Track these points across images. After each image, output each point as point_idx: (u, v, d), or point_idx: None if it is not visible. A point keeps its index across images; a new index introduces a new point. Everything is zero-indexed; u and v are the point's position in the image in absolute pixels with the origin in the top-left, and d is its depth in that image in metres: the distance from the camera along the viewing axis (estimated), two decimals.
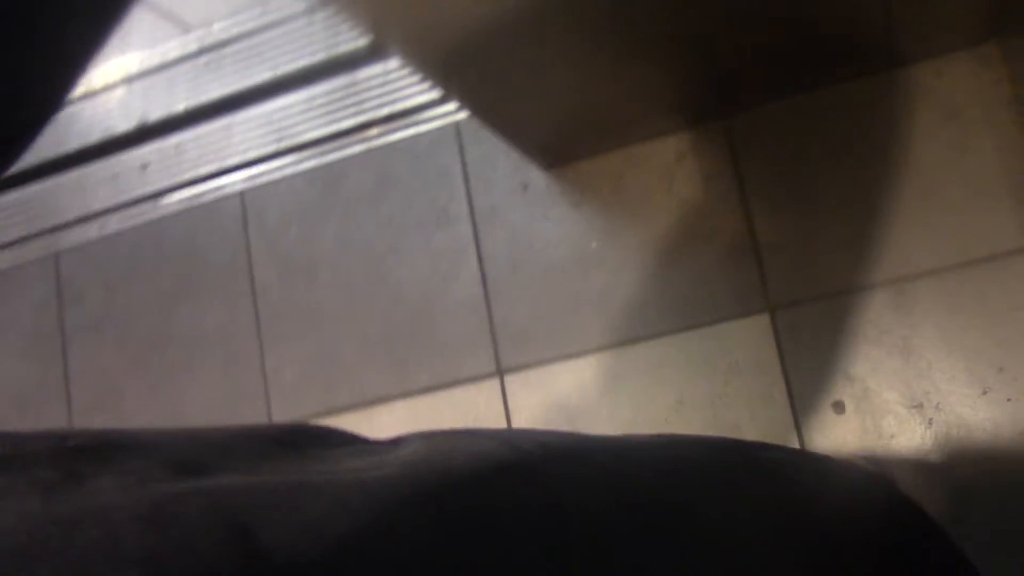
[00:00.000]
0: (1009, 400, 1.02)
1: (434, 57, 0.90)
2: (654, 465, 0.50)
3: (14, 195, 1.60)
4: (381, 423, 1.28)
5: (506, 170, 1.26)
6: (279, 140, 1.41)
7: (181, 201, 1.46)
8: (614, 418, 1.18)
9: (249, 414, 1.35)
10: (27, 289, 1.55)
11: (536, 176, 1.24)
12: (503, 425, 1.23)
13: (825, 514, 0.64)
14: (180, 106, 1.46)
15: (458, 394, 1.26)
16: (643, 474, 0.47)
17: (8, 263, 1.57)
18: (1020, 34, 0.99)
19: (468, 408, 1.25)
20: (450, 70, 0.94)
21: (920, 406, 1.05)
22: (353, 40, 1.34)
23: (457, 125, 1.30)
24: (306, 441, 0.39)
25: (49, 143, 1.57)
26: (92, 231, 1.52)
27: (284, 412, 1.33)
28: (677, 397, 1.15)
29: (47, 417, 1.47)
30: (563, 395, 1.20)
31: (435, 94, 1.31)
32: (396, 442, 0.42)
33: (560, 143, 1.18)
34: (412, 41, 0.87)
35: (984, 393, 1.03)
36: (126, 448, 0.32)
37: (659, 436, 0.62)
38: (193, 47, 1.44)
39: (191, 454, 0.33)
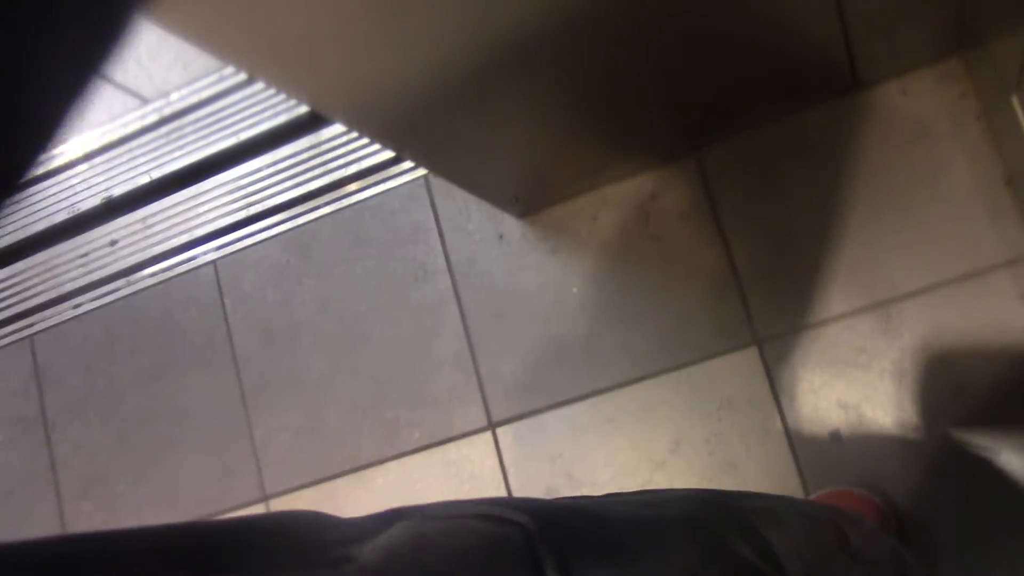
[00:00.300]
0: (1004, 417, 1.01)
1: (378, 125, 0.88)
2: (640, 528, 0.50)
3: None
4: (376, 486, 1.27)
5: (480, 221, 1.25)
6: (248, 206, 1.39)
7: (154, 275, 1.44)
8: (611, 463, 1.16)
9: (241, 488, 1.33)
10: (4, 376, 1.52)
11: (511, 225, 1.23)
12: (499, 479, 1.21)
13: (810, 563, 0.63)
14: (144, 179, 1.44)
15: (451, 451, 1.24)
16: (629, 539, 0.48)
17: None
18: (981, 47, 0.99)
19: (462, 464, 1.23)
20: (398, 136, 0.92)
21: (918, 428, 1.04)
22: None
23: (427, 179, 1.29)
24: (295, 529, 0.40)
25: (15, 226, 1.54)
26: (66, 312, 1.49)
27: (276, 483, 1.31)
28: (673, 438, 1.14)
29: (36, 506, 1.45)
30: (558, 444, 1.19)
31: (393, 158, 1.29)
32: (384, 520, 0.42)
33: (529, 192, 1.17)
34: (351, 112, 0.85)
35: (979, 411, 1.02)
36: (126, 551, 0.32)
37: (644, 493, 0.63)
38: (153, 118, 1.42)
39: (190, 552, 0.33)
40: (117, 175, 1.46)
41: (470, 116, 0.89)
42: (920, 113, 1.08)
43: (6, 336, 1.53)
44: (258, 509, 1.32)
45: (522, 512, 0.43)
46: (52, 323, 1.50)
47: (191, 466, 1.36)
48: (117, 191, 1.46)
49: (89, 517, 1.42)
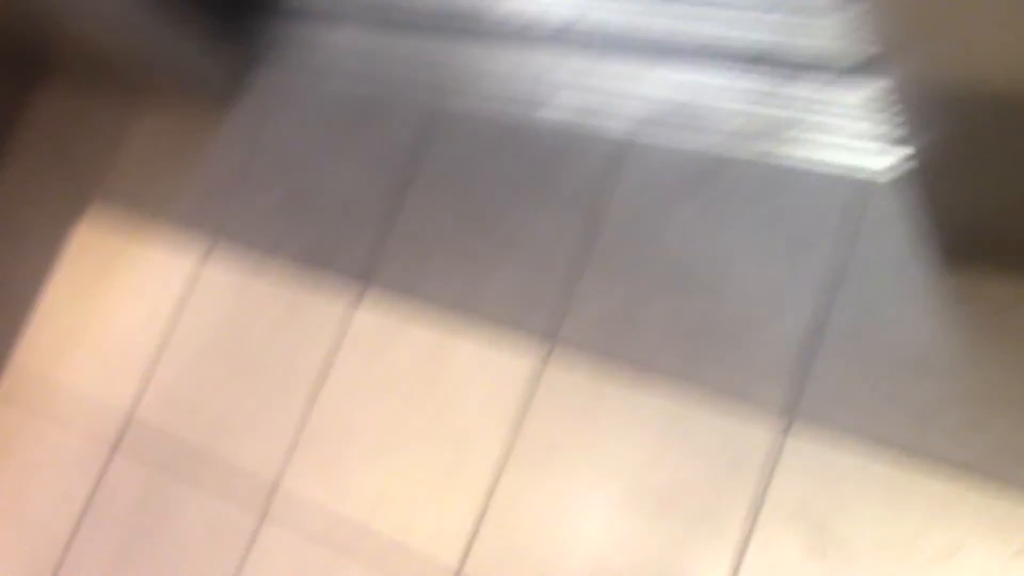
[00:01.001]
0: None
1: (933, 96, 0.85)
2: None
3: (414, 42, 1.71)
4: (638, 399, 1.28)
5: (898, 244, 1.20)
6: (679, 112, 1.41)
7: (557, 120, 1.50)
8: (875, 535, 1.10)
9: (532, 319, 1.38)
10: (389, 127, 1.66)
11: (927, 265, 1.18)
12: (748, 480, 1.18)
13: None
14: (607, 29, 1.50)
15: (720, 416, 1.22)
16: None
17: (384, 99, 1.69)
18: None
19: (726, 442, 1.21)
20: (941, 117, 0.88)
21: None
22: (833, 45, 1.31)
23: (873, 180, 1.25)
24: None
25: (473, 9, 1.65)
26: (466, 105, 1.59)
27: (565, 331, 1.36)
28: (949, 547, 1.06)
29: (364, 229, 1.59)
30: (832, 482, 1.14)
31: (876, 141, 1.26)
32: None
33: (988, 241, 1.09)
34: (922, 71, 0.82)
35: None
36: None
37: None
38: None
39: None
40: (585, 8, 1.53)
41: None
42: None
43: (409, 98, 1.66)
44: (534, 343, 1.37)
45: None
46: (450, 109, 1.61)
47: (502, 277, 1.44)
48: (572, 28, 1.53)
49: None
